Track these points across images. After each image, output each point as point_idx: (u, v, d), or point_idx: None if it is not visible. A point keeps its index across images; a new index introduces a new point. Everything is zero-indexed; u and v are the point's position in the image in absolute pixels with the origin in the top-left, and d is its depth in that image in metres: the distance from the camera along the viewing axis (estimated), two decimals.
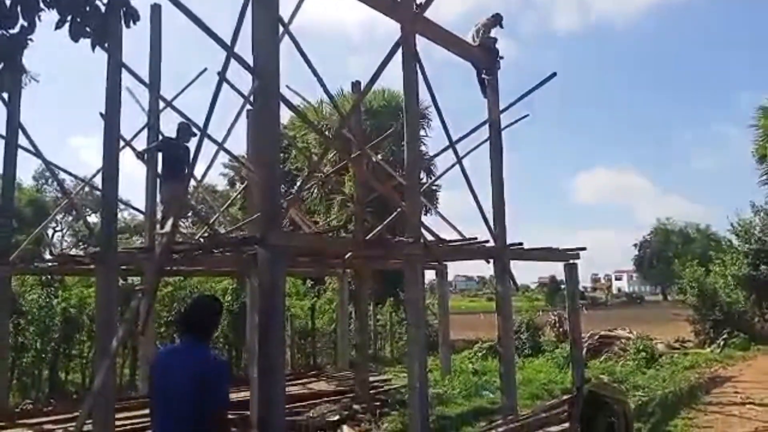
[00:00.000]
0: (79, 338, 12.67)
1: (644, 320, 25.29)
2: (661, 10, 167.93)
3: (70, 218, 44.38)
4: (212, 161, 10.58)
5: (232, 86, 9.11)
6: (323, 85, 9.65)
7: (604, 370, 12.77)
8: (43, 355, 11.95)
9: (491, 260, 10.04)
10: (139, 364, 12.46)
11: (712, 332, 17.96)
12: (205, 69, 11.13)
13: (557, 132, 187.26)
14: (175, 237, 7.47)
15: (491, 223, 10.04)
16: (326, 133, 13.57)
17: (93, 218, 33.39)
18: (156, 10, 10.51)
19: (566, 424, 7.85)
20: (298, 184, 13.71)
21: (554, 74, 10.39)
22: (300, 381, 12.95)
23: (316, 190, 22.26)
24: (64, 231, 47.63)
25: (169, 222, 7.57)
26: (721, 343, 16.90)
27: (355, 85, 12.21)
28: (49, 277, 13.04)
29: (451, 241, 9.62)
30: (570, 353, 12.27)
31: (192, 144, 9.19)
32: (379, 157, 11.25)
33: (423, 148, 20.50)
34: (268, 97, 6.38)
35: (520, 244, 10.41)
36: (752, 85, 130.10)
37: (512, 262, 10.24)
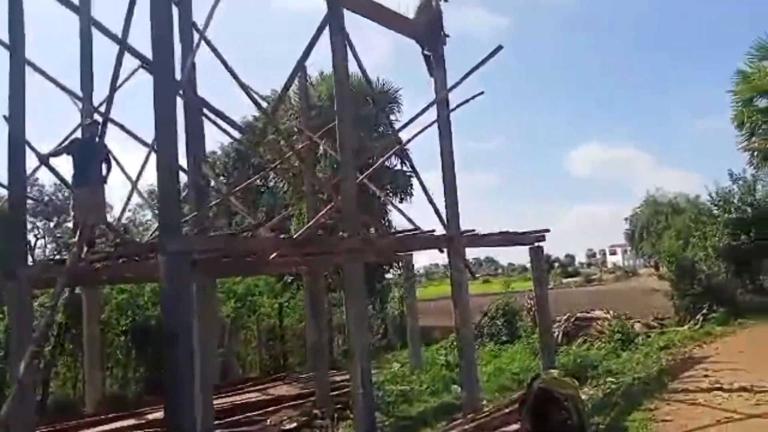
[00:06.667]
0: None
1: (628, 297, 24.83)
2: None
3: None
4: (145, 161, 9.97)
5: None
6: (248, 94, 8.69)
7: (577, 355, 12.24)
8: None
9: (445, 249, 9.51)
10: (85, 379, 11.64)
11: (691, 307, 17.44)
12: None
13: (551, 108, 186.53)
14: (83, 248, 6.88)
15: (443, 211, 9.49)
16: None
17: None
18: None
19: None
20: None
21: (500, 47, 9.88)
22: (259, 387, 12.39)
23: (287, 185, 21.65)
24: None
25: (78, 232, 6.99)
26: (700, 318, 16.39)
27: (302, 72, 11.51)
28: None
29: (396, 232, 9.08)
30: (540, 340, 11.83)
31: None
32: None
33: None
34: (166, 94, 5.82)
35: (473, 230, 9.87)
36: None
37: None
